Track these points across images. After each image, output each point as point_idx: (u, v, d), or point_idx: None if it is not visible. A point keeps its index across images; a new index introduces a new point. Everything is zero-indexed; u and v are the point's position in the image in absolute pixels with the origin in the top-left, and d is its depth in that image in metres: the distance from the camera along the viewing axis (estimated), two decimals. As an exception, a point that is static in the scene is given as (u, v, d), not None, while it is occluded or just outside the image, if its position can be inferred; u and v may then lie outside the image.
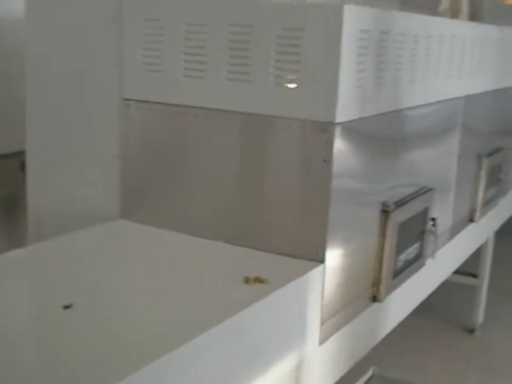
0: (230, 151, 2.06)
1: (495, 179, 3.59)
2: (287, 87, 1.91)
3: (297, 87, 1.90)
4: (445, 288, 3.56)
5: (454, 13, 3.71)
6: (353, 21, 1.88)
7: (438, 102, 2.65)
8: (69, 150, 2.39)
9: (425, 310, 3.79)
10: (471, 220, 3.36)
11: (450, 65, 2.71)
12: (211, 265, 1.94)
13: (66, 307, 1.56)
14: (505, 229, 4.35)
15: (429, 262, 2.70)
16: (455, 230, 3.10)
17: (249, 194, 2.04)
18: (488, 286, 4.19)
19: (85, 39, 2.28)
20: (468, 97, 2.98)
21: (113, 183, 2.26)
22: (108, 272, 1.85)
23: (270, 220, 2.01)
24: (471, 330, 4.13)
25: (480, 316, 4.14)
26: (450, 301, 4.43)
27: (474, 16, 3.72)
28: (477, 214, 3.37)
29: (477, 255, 3.94)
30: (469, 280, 4.10)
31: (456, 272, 3.56)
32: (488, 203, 3.53)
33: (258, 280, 1.78)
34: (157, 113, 2.16)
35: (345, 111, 1.90)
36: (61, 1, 2.36)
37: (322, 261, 1.94)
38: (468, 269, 4.01)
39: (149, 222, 2.20)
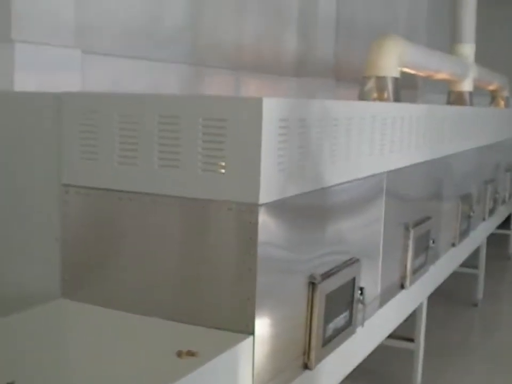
0: (164, 232, 2.20)
1: (424, 247, 3.79)
2: (213, 172, 2.08)
3: (223, 172, 2.07)
4: (383, 352, 3.72)
5: (379, 93, 3.97)
6: (272, 111, 2.06)
7: (361, 178, 2.85)
8: (11, 234, 2.50)
9: (364, 374, 3.95)
10: (402, 287, 3.54)
11: (372, 143, 2.91)
12: (146, 340, 2.06)
13: (7, 386, 1.66)
14: (439, 293, 4.56)
15: (359, 330, 2.85)
16: (385, 297, 3.27)
17: (182, 273, 2.18)
18: (425, 348, 4.35)
19: (27, 132, 2.43)
20: (390, 171, 3.19)
21: (54, 264, 2.38)
22: (48, 350, 1.95)
23: (202, 295, 2.14)
24: (410, 393, 4.27)
25: (418, 379, 4.27)
26: (389, 365, 4.57)
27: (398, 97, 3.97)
28: (407, 281, 3.55)
29: (412, 319, 4.12)
30: (406, 344, 4.25)
31: (394, 336, 3.73)
32: (418, 270, 3.72)
33: (190, 353, 1.91)
34: (94, 198, 2.30)
35: (268, 192, 2.07)
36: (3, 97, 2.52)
37: (252, 332, 2.08)
38: (405, 333, 4.17)
39: (89, 301, 2.31)
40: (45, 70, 2.86)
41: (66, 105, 2.32)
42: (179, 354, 1.90)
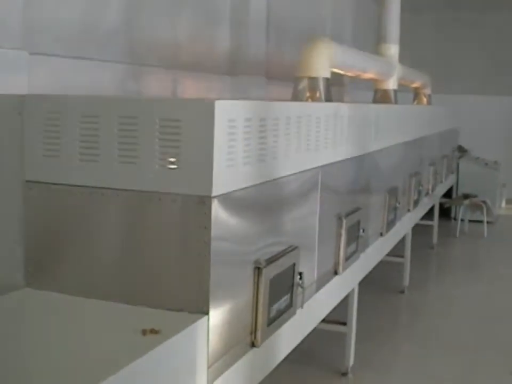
0: (123, 222, 2.40)
1: (355, 236, 4.08)
2: (169, 168, 2.29)
3: (179, 168, 2.28)
4: (318, 335, 3.98)
5: (311, 92, 4.22)
6: (223, 112, 2.29)
7: (299, 172, 3.10)
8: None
9: (301, 356, 4.22)
10: (336, 273, 3.81)
11: (307, 141, 3.17)
12: (111, 322, 2.26)
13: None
14: (368, 280, 4.87)
15: (299, 311, 3.10)
16: (321, 282, 3.53)
17: (143, 260, 2.39)
18: (357, 331, 4.64)
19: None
20: (324, 166, 3.45)
21: (18, 256, 2.54)
22: (16, 336, 2.13)
23: (162, 281, 2.36)
24: (343, 374, 4.54)
25: (351, 360, 4.56)
26: (324, 348, 4.86)
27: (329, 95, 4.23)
28: (340, 267, 3.82)
29: (345, 304, 4.40)
30: (339, 328, 4.53)
31: (327, 321, 3.99)
32: (350, 257, 4.00)
33: (153, 331, 2.12)
34: (56, 193, 2.48)
35: (219, 186, 2.30)
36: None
37: (207, 313, 2.30)
38: (338, 317, 4.45)
39: (52, 289, 2.49)
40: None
41: (29, 106, 2.49)
42: (144, 332, 2.11)
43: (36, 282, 2.54)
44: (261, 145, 2.64)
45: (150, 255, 2.37)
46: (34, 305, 2.43)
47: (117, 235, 2.42)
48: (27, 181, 2.52)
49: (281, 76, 6.36)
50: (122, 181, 2.37)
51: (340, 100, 8.29)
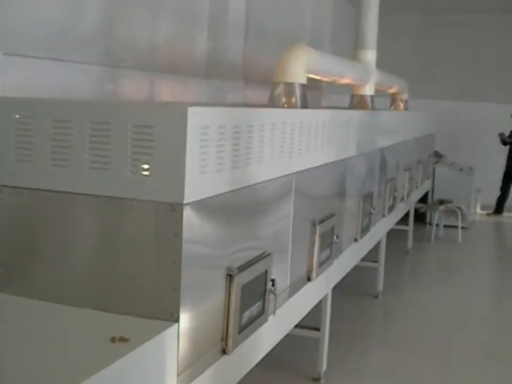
0: (95, 228, 2.39)
1: (328, 242, 4.09)
2: (141, 174, 2.28)
3: (151, 174, 2.27)
4: (291, 341, 3.99)
5: (287, 98, 4.22)
6: (196, 119, 2.28)
7: (273, 178, 3.10)
8: None
9: (273, 362, 4.21)
10: (309, 279, 3.82)
11: (281, 147, 3.17)
12: (81, 329, 2.24)
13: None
14: (342, 285, 4.88)
15: (271, 318, 3.10)
16: (294, 288, 3.54)
17: (112, 267, 2.37)
18: (330, 336, 4.65)
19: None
20: (299, 172, 3.46)
21: (-13, 260, 2.52)
22: (-12, 340, 2.11)
23: (132, 287, 2.35)
24: (316, 379, 4.55)
25: (323, 365, 4.57)
26: (296, 353, 4.86)
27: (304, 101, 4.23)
28: (313, 273, 3.83)
29: (318, 310, 4.41)
30: (312, 333, 4.54)
31: (300, 326, 4.00)
32: (323, 263, 4.01)
33: (122, 339, 2.11)
34: (27, 198, 2.46)
35: (191, 193, 2.29)
36: None
37: (177, 320, 2.29)
38: (311, 323, 4.45)
39: (23, 294, 2.47)
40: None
41: (0, 109, 2.47)
42: (113, 340, 2.10)
43: (6, 287, 2.51)
44: (234, 152, 2.63)
45: (121, 261, 2.36)
46: (3, 310, 2.41)
47: (88, 241, 2.41)
48: (-1, 185, 2.50)
49: (259, 79, 6.37)
50: (94, 187, 2.36)
51: (317, 104, 8.32)
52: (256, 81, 6.78)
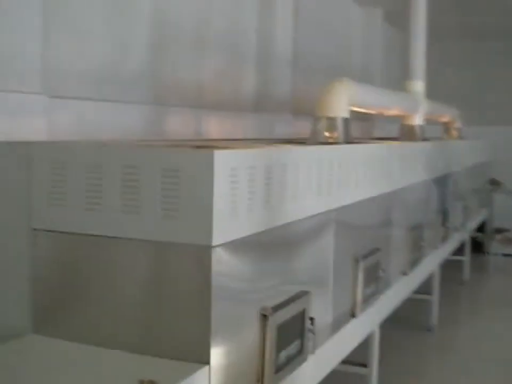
0: (127, 272, 2.41)
1: (373, 277, 4.04)
2: (171, 217, 2.30)
3: (180, 217, 2.29)
4: (337, 377, 3.93)
5: (330, 132, 4.22)
6: (223, 162, 2.30)
7: (310, 216, 3.09)
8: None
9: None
10: (353, 315, 3.77)
11: (319, 184, 3.15)
12: (110, 372, 2.26)
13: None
14: (394, 319, 4.80)
15: (311, 357, 3.07)
16: (336, 326, 3.50)
17: (144, 309, 2.39)
18: (379, 373, 4.56)
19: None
20: (339, 208, 3.43)
21: (26, 303, 2.57)
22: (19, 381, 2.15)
23: (163, 329, 2.36)
24: (365, 418, 4.48)
25: (372, 403, 4.50)
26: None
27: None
28: (358, 309, 3.78)
29: (368, 344, 4.34)
30: (360, 370, 4.47)
31: (346, 361, 3.94)
32: (368, 299, 3.96)
33: (151, 382, 2.11)
34: (62, 241, 2.51)
35: (220, 235, 2.30)
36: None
37: (207, 362, 2.29)
38: (360, 358, 4.39)
39: (59, 336, 2.51)
40: (11, 117, 3.02)
41: (35, 154, 2.53)
42: (141, 383, 2.10)
43: (43, 329, 2.56)
44: (266, 191, 2.63)
45: (150, 303, 2.37)
46: (38, 352, 2.44)
47: (120, 283, 2.43)
48: (33, 229, 2.55)
49: (308, 112, 6.38)
50: (125, 230, 2.39)
51: (368, 135, 8.28)
52: (304, 114, 6.79)
